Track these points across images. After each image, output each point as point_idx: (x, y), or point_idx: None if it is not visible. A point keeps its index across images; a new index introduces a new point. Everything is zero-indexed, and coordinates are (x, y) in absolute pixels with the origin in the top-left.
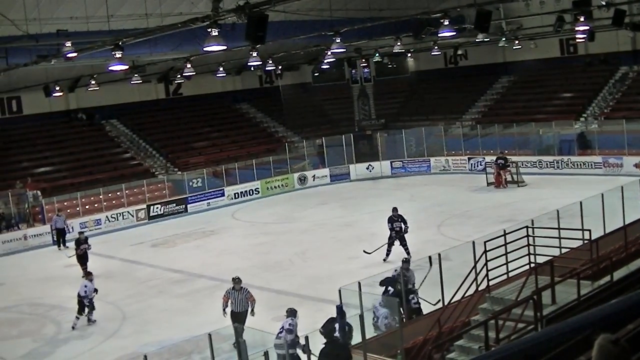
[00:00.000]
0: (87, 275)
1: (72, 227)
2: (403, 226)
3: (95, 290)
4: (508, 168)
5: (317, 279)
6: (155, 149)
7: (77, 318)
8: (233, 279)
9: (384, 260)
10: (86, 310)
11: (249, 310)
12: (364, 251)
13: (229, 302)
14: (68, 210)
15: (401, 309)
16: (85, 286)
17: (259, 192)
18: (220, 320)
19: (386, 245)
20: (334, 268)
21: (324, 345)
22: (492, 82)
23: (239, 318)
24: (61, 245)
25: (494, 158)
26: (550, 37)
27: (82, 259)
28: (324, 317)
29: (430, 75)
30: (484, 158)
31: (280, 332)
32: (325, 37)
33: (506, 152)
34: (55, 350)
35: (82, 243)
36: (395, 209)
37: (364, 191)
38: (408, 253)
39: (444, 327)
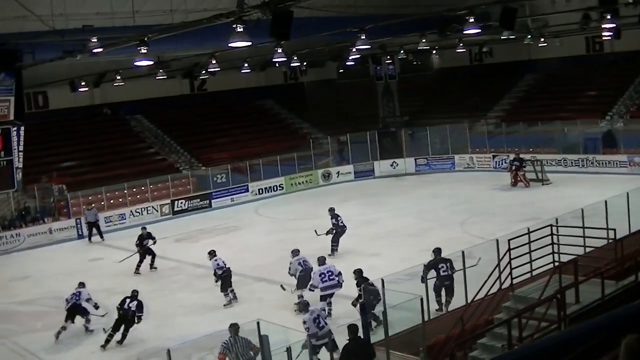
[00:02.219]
0: (210, 254)
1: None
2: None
3: (220, 270)
4: (524, 169)
5: None
6: (179, 144)
7: (226, 296)
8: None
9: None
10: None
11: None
12: (315, 232)
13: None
14: (93, 205)
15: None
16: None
17: (282, 188)
18: (243, 315)
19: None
20: (356, 265)
21: (347, 341)
22: (517, 79)
23: None
24: (93, 237)
25: (510, 158)
26: (575, 35)
27: (146, 254)
28: (346, 314)
29: (455, 73)
30: (509, 156)
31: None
32: (350, 33)
33: (527, 150)
34: (79, 343)
35: (145, 238)
36: (331, 209)
37: (388, 188)
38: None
39: (466, 325)
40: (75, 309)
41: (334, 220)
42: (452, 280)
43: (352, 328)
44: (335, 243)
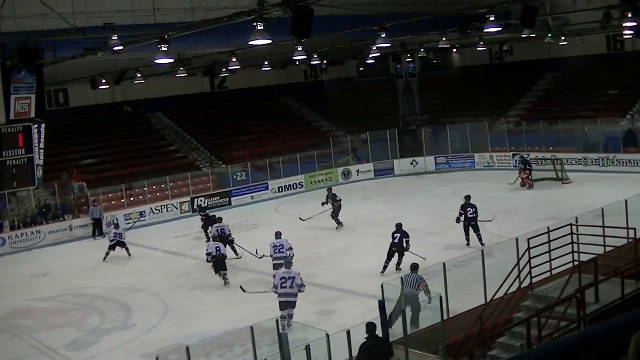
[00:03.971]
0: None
1: (117, 219)
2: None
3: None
4: (526, 170)
5: (359, 273)
6: (199, 142)
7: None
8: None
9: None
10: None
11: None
12: (300, 218)
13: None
14: (113, 202)
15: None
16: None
17: (302, 186)
18: (262, 313)
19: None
20: (377, 263)
21: (365, 340)
22: (537, 78)
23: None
24: (96, 234)
25: (519, 157)
26: (596, 33)
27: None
28: (365, 312)
29: (475, 71)
30: (529, 154)
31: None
32: (370, 31)
33: (547, 149)
34: (98, 340)
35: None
36: (329, 189)
37: (408, 186)
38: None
39: (485, 323)
40: (223, 240)
41: (330, 200)
42: (476, 221)
43: (369, 326)
44: (335, 219)
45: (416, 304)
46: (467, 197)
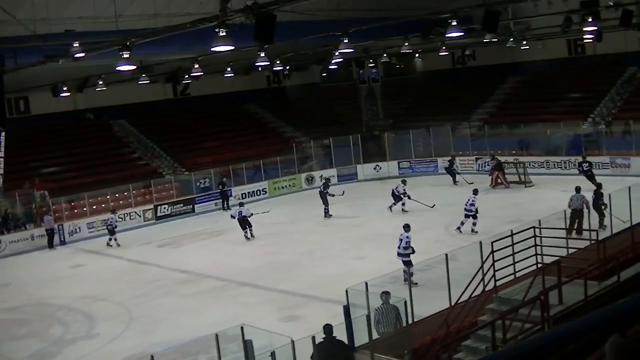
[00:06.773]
0: None
1: (79, 228)
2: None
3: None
4: (498, 169)
5: (324, 279)
6: (162, 149)
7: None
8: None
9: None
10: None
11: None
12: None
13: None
14: (75, 211)
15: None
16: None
17: (266, 192)
18: (227, 320)
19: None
20: (342, 268)
21: (322, 340)
22: (500, 82)
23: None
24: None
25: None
26: (558, 38)
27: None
28: (330, 318)
29: (438, 76)
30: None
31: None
32: (333, 37)
33: (509, 152)
34: (62, 351)
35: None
36: (325, 180)
37: (372, 191)
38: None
39: (451, 327)
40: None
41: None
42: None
43: (326, 328)
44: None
45: (582, 215)
46: (584, 157)
